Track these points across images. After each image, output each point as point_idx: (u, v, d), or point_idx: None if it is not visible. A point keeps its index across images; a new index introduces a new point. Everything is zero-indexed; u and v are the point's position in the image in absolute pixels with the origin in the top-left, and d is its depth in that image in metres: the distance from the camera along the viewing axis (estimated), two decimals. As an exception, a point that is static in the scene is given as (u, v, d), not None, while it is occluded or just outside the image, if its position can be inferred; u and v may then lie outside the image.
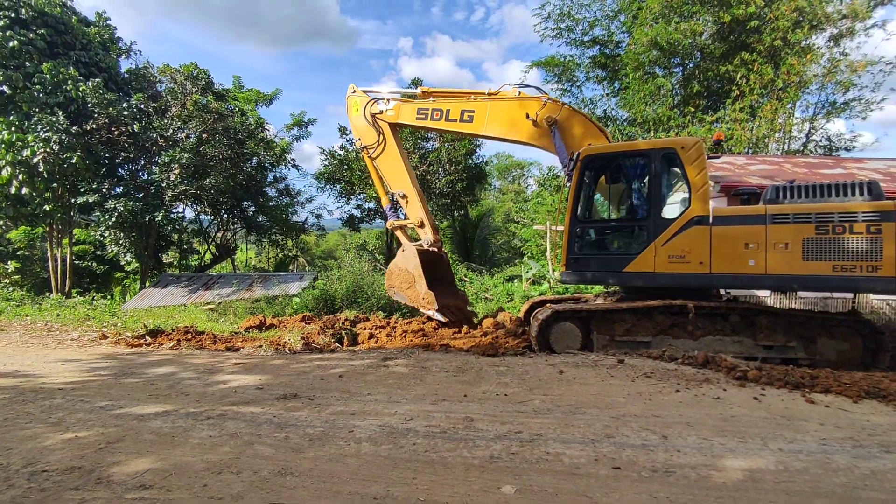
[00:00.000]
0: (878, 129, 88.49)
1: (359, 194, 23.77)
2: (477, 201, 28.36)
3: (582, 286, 11.07)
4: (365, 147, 9.49)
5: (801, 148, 21.55)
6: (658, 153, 7.05)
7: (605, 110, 24.72)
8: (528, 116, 7.86)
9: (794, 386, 5.08)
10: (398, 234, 9.87)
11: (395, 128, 9.36)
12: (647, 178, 7.14)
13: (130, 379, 5.45)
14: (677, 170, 7.02)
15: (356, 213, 24.70)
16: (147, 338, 8.33)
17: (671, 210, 7.04)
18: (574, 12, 23.80)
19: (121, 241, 18.41)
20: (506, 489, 2.86)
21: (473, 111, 8.45)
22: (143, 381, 5.36)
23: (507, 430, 3.80)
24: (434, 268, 9.29)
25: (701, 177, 6.80)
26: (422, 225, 9.26)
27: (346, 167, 22.96)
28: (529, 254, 25.49)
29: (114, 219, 17.20)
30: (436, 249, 9.33)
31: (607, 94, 24.57)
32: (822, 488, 2.94)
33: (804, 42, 18.82)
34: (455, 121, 8.57)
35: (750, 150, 19.38)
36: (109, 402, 4.51)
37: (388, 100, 9.22)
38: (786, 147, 21.00)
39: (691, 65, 21.72)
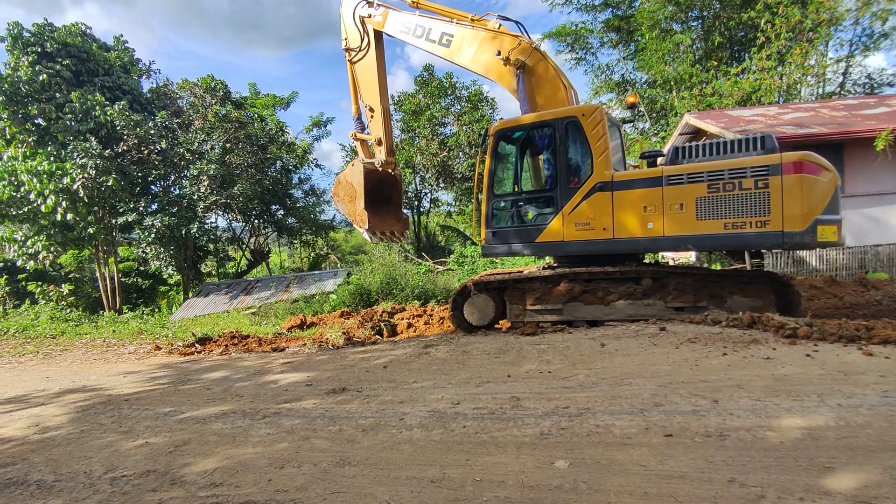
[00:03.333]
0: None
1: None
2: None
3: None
4: (348, 49, 9.12)
5: (838, 90, 20.42)
6: (561, 122, 7.07)
7: (622, 74, 24.05)
8: (498, 54, 7.59)
9: (849, 339, 4.91)
10: (357, 146, 9.66)
11: (381, 36, 8.96)
12: (553, 147, 7.17)
13: (187, 385, 5.72)
14: (580, 137, 7.00)
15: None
16: (197, 346, 8.70)
17: (573, 178, 7.08)
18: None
19: (161, 256, 19.17)
20: (559, 464, 2.90)
21: (453, 35, 8.05)
22: (199, 386, 5.62)
23: (554, 407, 3.82)
24: (385, 188, 9.23)
25: (602, 142, 6.81)
26: (379, 143, 9.00)
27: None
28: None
29: (153, 235, 17.90)
30: (389, 170, 9.13)
31: (624, 58, 23.83)
32: (889, 441, 2.86)
33: (833, -24, 17.73)
34: (434, 42, 8.20)
35: (781, 99, 18.50)
36: (172, 408, 4.75)
37: (378, 4, 8.80)
38: (820, 91, 19.94)
39: (710, 16, 20.75)
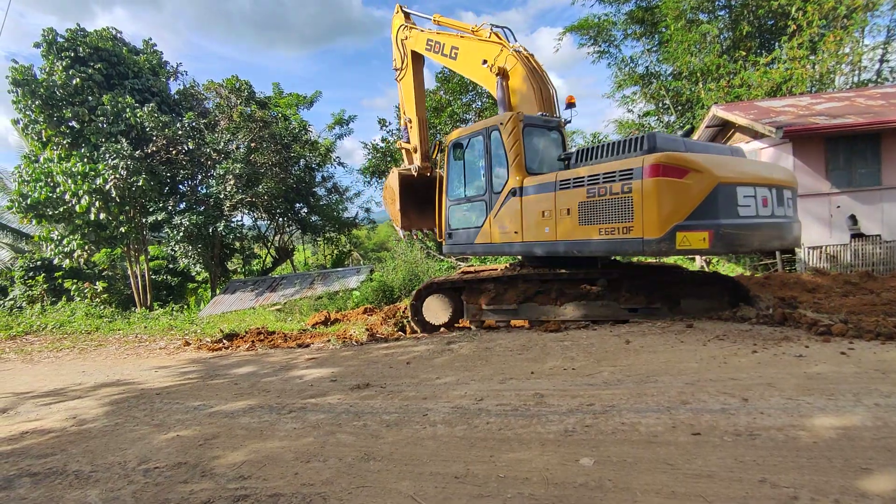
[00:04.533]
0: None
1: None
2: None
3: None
4: (395, 69, 10.15)
5: (875, 78, 19.62)
6: (488, 131, 7.41)
7: (646, 67, 23.56)
8: (484, 62, 8.03)
9: (888, 337, 4.74)
10: (403, 153, 10.61)
11: (419, 56, 9.80)
12: (484, 155, 7.49)
13: (216, 380, 5.86)
14: (501, 145, 7.20)
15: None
16: (225, 341, 8.90)
17: (498, 184, 7.32)
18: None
19: (189, 254, 19.64)
20: (584, 461, 2.87)
21: (458, 48, 8.65)
22: (227, 381, 5.76)
23: (578, 404, 3.79)
24: (424, 191, 9.78)
25: (515, 149, 6.97)
26: (415, 150, 9.91)
27: (389, 159, 23.24)
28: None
29: (181, 233, 18.36)
30: (426, 174, 9.79)
31: (648, 50, 23.34)
32: (928, 442, 2.76)
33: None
34: (447, 56, 8.86)
35: (814, 89, 17.86)
36: (201, 402, 4.88)
37: (410, 27, 9.67)
38: (855, 79, 19.18)
39: (738, 4, 20.14)
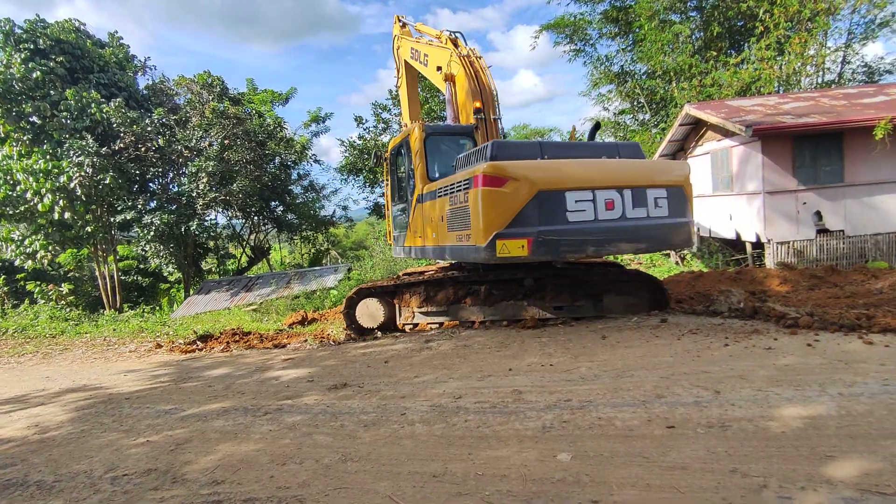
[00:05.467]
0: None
1: (382, 181, 23.91)
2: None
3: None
4: (395, 76, 10.53)
5: (837, 79, 20.33)
6: (406, 141, 7.71)
7: (621, 66, 23.91)
8: (439, 69, 8.34)
9: (850, 328, 4.91)
10: None
11: (410, 65, 9.96)
12: (406, 163, 7.88)
13: (189, 383, 5.72)
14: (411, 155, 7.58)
15: (382, 200, 24.87)
16: (198, 343, 8.69)
17: (412, 191, 7.67)
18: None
19: (161, 254, 19.12)
20: (562, 457, 2.89)
21: (428, 55, 8.93)
22: (200, 383, 5.62)
23: (556, 400, 3.82)
24: None
25: (418, 157, 7.32)
26: None
27: (366, 156, 23.05)
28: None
29: (152, 233, 17.85)
30: None
31: (623, 50, 23.68)
32: (889, 429, 2.86)
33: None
34: (423, 64, 9.14)
35: (781, 88, 18.41)
36: (173, 406, 4.75)
37: (400, 37, 9.94)
38: (820, 80, 19.84)
39: (709, 6, 20.61)
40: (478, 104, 7.66)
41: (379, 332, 7.63)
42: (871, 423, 2.96)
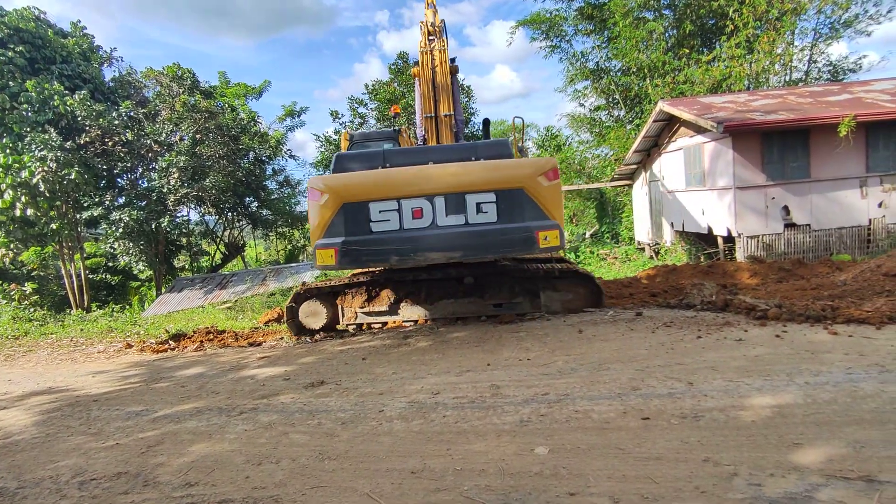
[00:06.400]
0: (882, 48, 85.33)
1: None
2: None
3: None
4: None
5: (804, 77, 20.96)
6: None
7: (597, 62, 24.17)
8: (415, 63, 8.23)
9: (816, 319, 5.08)
10: None
11: None
12: None
13: (161, 384, 5.57)
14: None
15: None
16: (171, 342, 8.47)
17: None
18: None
19: (131, 251, 18.59)
20: (539, 450, 2.91)
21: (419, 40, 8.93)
22: (173, 384, 5.48)
23: (533, 394, 3.85)
24: None
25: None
26: None
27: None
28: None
29: (120, 229, 17.33)
30: None
31: (598, 46, 23.94)
32: (852, 416, 2.97)
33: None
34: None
35: (751, 86, 18.89)
36: (144, 407, 4.62)
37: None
38: (787, 78, 20.43)
39: (681, 4, 20.99)
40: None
41: (322, 333, 7.54)
42: (836, 410, 3.07)
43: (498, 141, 6.62)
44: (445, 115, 7.68)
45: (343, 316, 7.58)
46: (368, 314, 7.42)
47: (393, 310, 7.28)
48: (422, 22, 8.59)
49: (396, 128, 7.59)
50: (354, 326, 7.57)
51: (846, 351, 4.12)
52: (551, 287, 6.94)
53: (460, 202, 5.80)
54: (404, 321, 7.32)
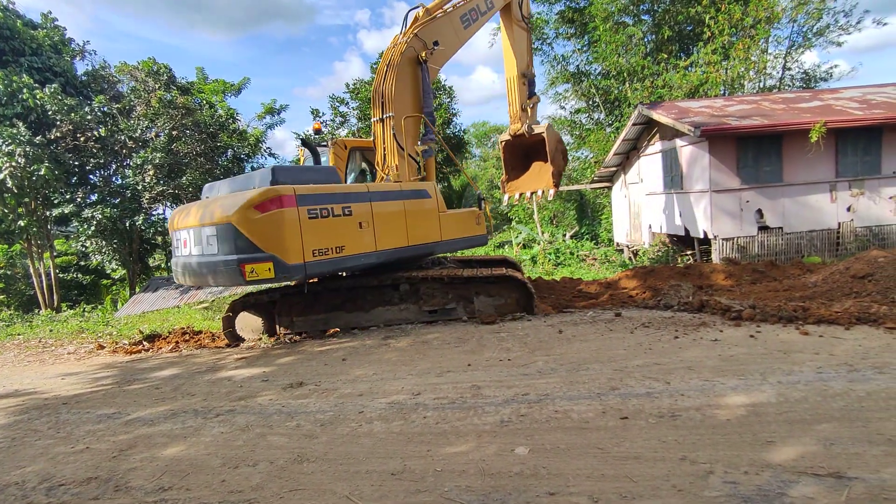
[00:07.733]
0: (852, 58, 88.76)
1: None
2: (458, 171, 28.14)
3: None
4: None
5: (778, 84, 21.53)
6: None
7: (577, 66, 24.40)
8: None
9: (788, 320, 5.21)
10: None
11: (506, 12, 9.94)
12: None
13: (134, 385, 5.43)
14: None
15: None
16: (145, 343, 8.27)
17: None
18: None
19: (104, 249, 18.09)
20: (519, 450, 2.92)
21: None
22: (147, 386, 5.35)
23: (514, 394, 3.86)
24: (532, 152, 10.43)
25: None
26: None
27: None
28: (517, 218, 25.53)
29: (93, 227, 16.85)
30: (524, 134, 10.07)
31: (579, 50, 24.18)
32: (822, 414, 3.05)
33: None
34: None
35: (726, 91, 19.32)
36: (116, 410, 4.50)
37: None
38: (762, 84, 20.96)
39: (660, 10, 21.37)
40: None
41: (258, 340, 7.46)
42: (807, 408, 3.15)
43: (261, 172, 6.44)
44: (381, 118, 7.50)
45: (280, 324, 7.51)
46: (305, 322, 7.38)
47: (330, 318, 7.30)
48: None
49: (315, 139, 7.59)
50: (290, 335, 7.46)
51: (817, 350, 4.24)
52: (485, 292, 7.06)
53: (200, 235, 6.29)
54: (342, 329, 7.27)
